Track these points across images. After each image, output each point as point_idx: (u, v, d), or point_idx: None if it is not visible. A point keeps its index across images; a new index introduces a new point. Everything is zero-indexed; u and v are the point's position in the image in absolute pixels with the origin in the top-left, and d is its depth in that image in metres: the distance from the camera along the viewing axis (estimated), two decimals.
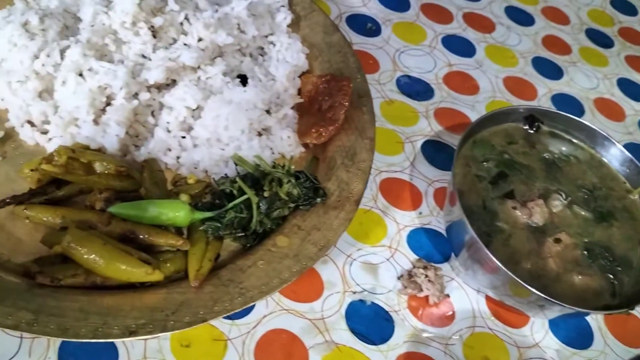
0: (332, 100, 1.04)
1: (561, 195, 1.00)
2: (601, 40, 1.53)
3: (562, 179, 1.03)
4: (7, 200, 0.86)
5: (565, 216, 0.98)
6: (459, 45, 1.37)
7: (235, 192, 0.90)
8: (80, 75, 0.94)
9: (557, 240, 0.94)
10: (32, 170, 0.87)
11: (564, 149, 1.07)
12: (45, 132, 0.95)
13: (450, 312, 0.95)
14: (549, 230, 0.95)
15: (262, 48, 1.14)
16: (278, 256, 0.87)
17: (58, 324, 0.73)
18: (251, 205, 0.89)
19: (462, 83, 1.29)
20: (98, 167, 0.88)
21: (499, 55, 1.38)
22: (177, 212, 0.85)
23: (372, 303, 0.93)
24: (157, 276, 0.80)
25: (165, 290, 0.81)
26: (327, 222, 0.92)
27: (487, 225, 0.93)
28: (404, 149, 1.14)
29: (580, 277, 0.91)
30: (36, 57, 0.94)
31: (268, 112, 1.04)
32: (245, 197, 0.88)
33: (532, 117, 1.07)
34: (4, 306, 0.73)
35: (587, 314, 0.96)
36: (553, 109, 1.14)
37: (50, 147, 0.94)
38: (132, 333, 0.74)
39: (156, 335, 0.77)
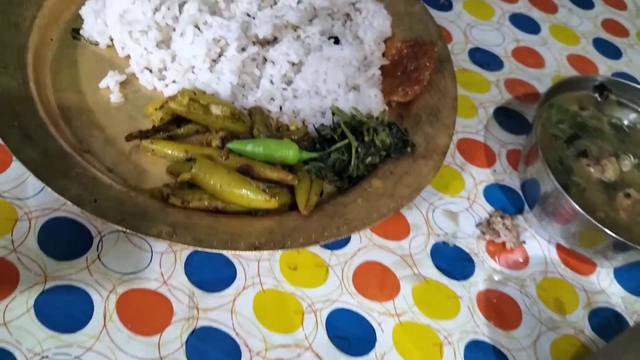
0: (418, 62, 1.13)
1: (630, 156, 1.07)
2: None
3: (630, 144, 1.11)
4: (135, 135, 0.95)
5: (634, 176, 1.06)
6: (525, 24, 1.45)
7: (336, 137, 0.99)
8: (197, 27, 1.03)
9: (627, 195, 1.01)
10: (156, 109, 0.97)
11: (631, 117, 1.15)
12: (162, 79, 1.04)
13: (525, 258, 1.03)
14: (619, 187, 1.03)
15: (348, 15, 1.23)
16: (375, 195, 0.96)
17: (193, 236, 0.83)
18: (350, 149, 0.98)
19: (529, 57, 1.37)
20: (214, 109, 0.98)
21: (562, 34, 1.46)
22: (288, 150, 0.94)
23: (454, 245, 1.02)
24: (273, 203, 0.89)
25: (279, 217, 0.91)
26: (416, 169, 1.00)
27: (565, 179, 1.02)
28: (477, 114, 1.23)
29: None
30: (157, 9, 1.03)
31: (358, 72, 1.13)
32: (346, 141, 0.97)
33: (602, 87, 1.15)
34: (145, 219, 0.83)
35: None
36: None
37: (167, 92, 1.04)
38: (256, 248, 0.84)
39: (276, 251, 0.86)
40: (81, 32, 1.10)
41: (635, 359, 0.66)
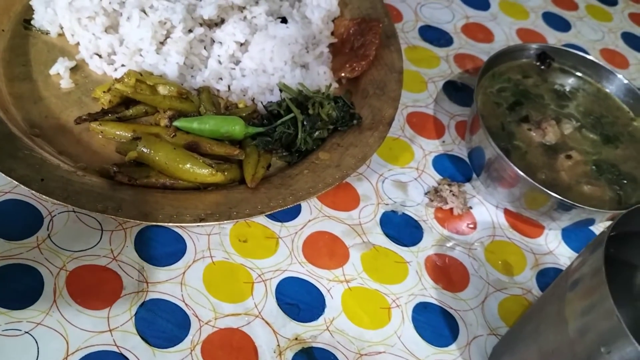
0: (364, 38, 1.16)
1: (571, 120, 1.11)
2: None
3: (572, 108, 1.14)
4: (84, 117, 0.97)
5: (575, 138, 1.09)
6: (475, 1, 1.48)
7: (282, 112, 1.01)
8: (143, 11, 1.05)
9: (568, 157, 1.05)
10: (104, 92, 0.99)
11: (573, 82, 1.18)
12: (111, 63, 1.06)
13: (472, 223, 1.06)
14: (561, 149, 1.07)
15: None
16: (321, 167, 0.98)
17: (139, 210, 0.85)
18: (297, 123, 1.00)
19: (479, 33, 1.40)
20: (162, 90, 1.00)
21: (512, 9, 1.50)
22: (234, 125, 0.97)
23: (403, 213, 1.05)
24: (219, 177, 0.91)
25: (226, 191, 0.93)
26: (363, 140, 1.03)
27: (506, 143, 1.05)
28: (427, 88, 1.26)
29: (589, 187, 1.02)
30: None
31: (306, 50, 1.15)
32: (292, 115, 1.00)
33: (544, 54, 1.18)
34: (91, 196, 0.85)
35: (594, 222, 1.06)
36: None
37: (116, 76, 1.05)
38: (202, 220, 0.86)
39: (222, 222, 0.88)
40: (32, 22, 1.12)
41: (559, 302, 0.69)
